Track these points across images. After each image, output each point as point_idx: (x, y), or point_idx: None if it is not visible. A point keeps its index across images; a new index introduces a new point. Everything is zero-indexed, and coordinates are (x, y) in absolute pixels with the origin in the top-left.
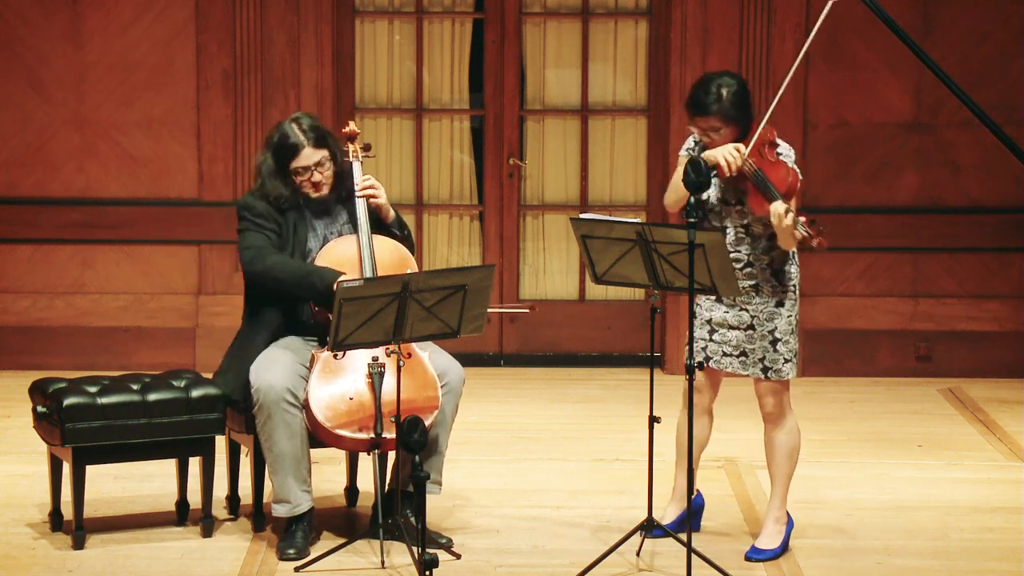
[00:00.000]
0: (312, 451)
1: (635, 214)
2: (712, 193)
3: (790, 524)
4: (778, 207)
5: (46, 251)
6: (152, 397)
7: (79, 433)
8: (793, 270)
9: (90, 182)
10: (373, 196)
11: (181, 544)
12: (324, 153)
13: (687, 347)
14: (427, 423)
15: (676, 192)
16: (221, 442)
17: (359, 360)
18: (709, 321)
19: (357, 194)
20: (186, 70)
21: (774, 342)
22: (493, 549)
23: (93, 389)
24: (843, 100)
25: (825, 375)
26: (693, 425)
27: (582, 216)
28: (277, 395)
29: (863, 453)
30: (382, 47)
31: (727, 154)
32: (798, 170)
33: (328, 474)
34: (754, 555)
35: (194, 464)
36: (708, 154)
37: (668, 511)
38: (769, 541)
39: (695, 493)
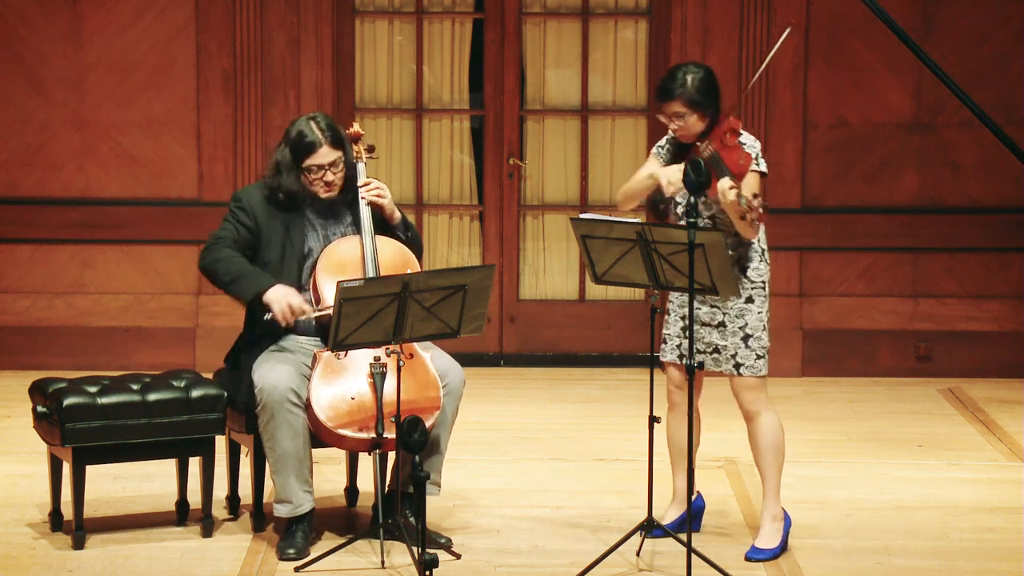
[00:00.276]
0: (313, 451)
1: (635, 214)
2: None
3: (788, 522)
4: (723, 183)
5: (46, 251)
6: (152, 397)
7: (79, 433)
8: (763, 267)
9: (90, 182)
10: (380, 196)
11: (181, 544)
12: (339, 154)
13: (663, 345)
14: (428, 424)
15: (631, 191)
16: (221, 442)
17: (361, 360)
18: (683, 318)
19: (361, 195)
20: (186, 70)
21: (745, 338)
22: (493, 549)
23: (93, 389)
24: (843, 100)
25: (825, 375)
26: (680, 426)
27: (582, 216)
28: (281, 395)
29: (863, 453)
30: (382, 47)
31: (675, 177)
32: (756, 155)
33: (328, 474)
34: (754, 555)
35: (194, 464)
36: (660, 173)
37: (668, 513)
38: (768, 540)
39: (695, 495)
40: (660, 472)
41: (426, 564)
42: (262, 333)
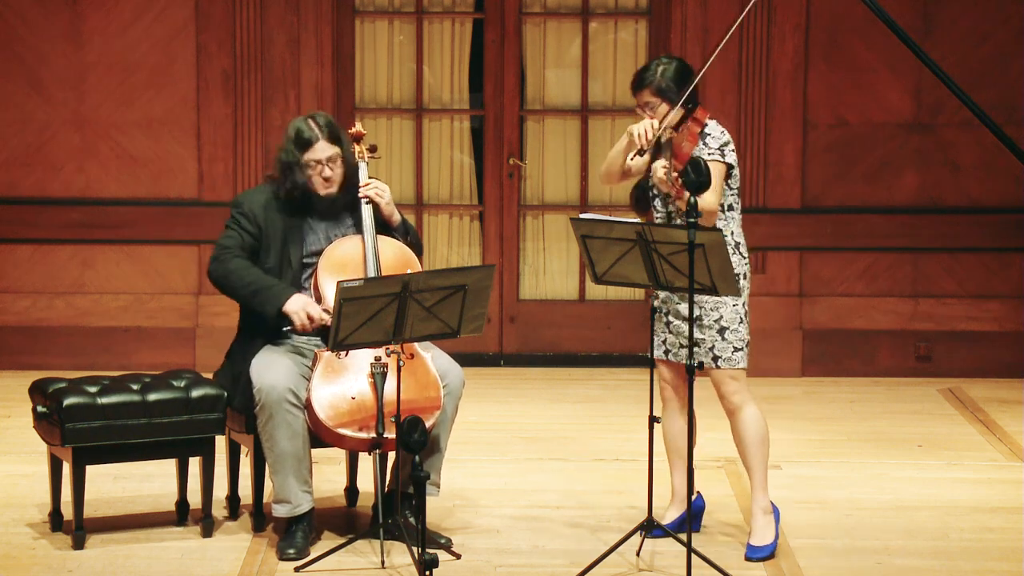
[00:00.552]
0: (312, 451)
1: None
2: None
3: (776, 513)
4: (657, 163)
5: (46, 251)
6: (152, 397)
7: (79, 433)
8: (737, 259)
9: (90, 182)
10: (378, 195)
11: (181, 544)
12: (336, 150)
13: (651, 342)
14: (428, 424)
15: (609, 160)
16: (221, 442)
17: (362, 360)
18: (667, 314)
19: (361, 193)
20: (186, 70)
21: (722, 331)
22: (493, 549)
23: (93, 389)
24: (843, 100)
25: (825, 375)
26: (673, 423)
27: (582, 216)
28: (279, 395)
29: (863, 453)
30: (382, 47)
31: (641, 127)
32: (720, 146)
33: (328, 474)
34: (752, 554)
35: (194, 464)
36: (629, 128)
37: (668, 513)
38: (763, 536)
39: (695, 495)
40: (660, 472)
41: (426, 564)
42: (262, 332)
